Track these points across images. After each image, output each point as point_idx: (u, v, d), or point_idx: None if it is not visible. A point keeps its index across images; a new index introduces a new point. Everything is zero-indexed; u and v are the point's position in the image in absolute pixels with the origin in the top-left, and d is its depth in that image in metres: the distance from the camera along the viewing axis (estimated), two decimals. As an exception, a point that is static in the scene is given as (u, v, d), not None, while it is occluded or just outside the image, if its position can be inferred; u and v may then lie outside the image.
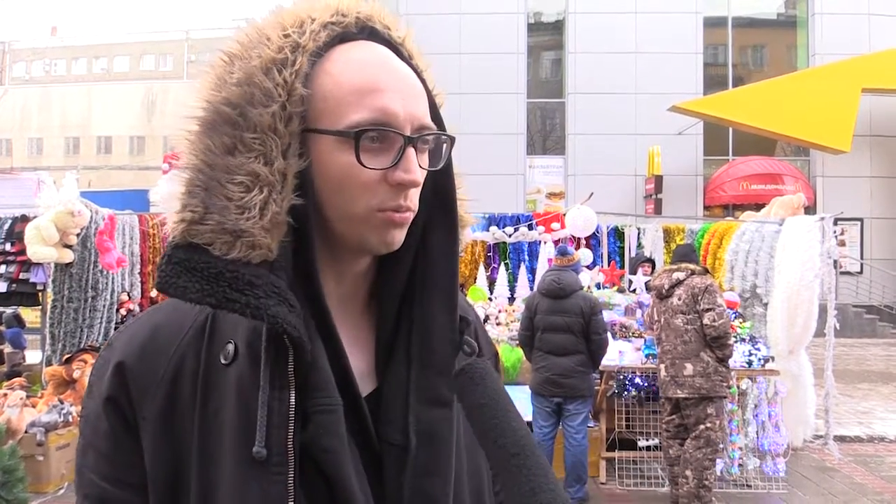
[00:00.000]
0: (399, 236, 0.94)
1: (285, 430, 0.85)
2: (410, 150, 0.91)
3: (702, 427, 5.91)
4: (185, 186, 0.88)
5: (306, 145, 0.89)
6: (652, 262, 9.71)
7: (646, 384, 7.02)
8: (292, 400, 0.86)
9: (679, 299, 6.09)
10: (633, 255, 10.69)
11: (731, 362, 6.17)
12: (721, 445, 6.28)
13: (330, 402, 0.88)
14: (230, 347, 0.90)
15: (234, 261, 0.85)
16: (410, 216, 0.94)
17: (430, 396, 0.95)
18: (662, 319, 6.22)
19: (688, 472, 5.94)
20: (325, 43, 0.91)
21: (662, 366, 6.16)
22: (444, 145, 0.98)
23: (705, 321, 5.90)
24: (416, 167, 0.91)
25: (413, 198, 0.93)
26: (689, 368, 5.93)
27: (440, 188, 1.00)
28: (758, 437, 6.90)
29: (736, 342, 6.69)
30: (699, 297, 5.99)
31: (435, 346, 0.97)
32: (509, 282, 10.40)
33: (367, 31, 0.95)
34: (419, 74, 0.99)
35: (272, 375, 0.86)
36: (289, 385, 0.86)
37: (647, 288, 7.76)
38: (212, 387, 0.90)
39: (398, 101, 0.90)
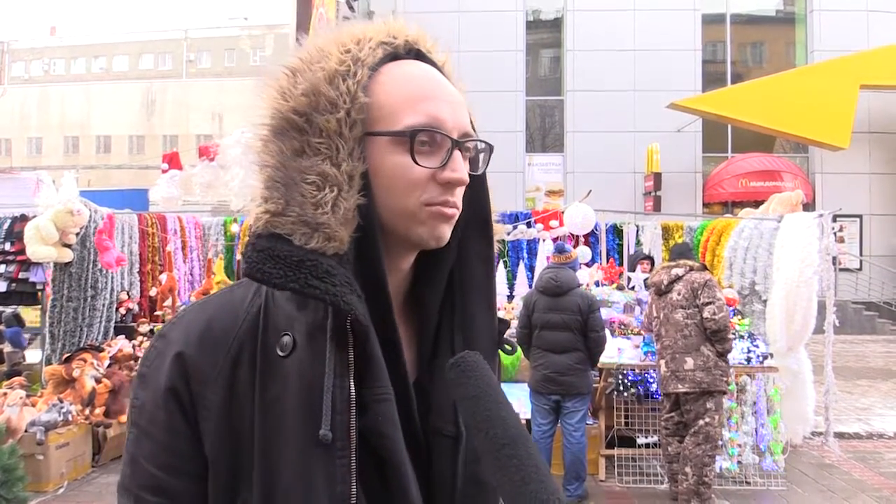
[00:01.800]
0: (447, 231, 1.02)
1: (347, 415, 0.91)
2: (457, 152, 1.00)
3: (701, 422, 5.92)
4: (263, 182, 0.97)
5: (365, 150, 0.97)
6: (651, 259, 9.70)
7: (639, 379, 7.02)
8: (352, 388, 0.92)
9: (678, 294, 6.11)
10: (631, 252, 10.70)
11: (729, 359, 6.18)
12: (720, 442, 6.30)
13: (384, 392, 0.94)
14: (286, 339, 0.95)
15: (313, 250, 0.92)
16: (457, 213, 1.02)
17: None
18: (662, 315, 6.23)
19: (687, 469, 5.95)
20: (379, 59, 1.00)
21: (663, 361, 6.17)
22: (483, 154, 1.08)
23: (705, 314, 5.92)
24: (463, 167, 1.00)
25: (459, 196, 1.02)
26: (689, 362, 5.94)
27: (476, 196, 1.08)
28: (756, 434, 6.91)
29: (735, 339, 6.69)
30: (699, 292, 6.02)
31: (477, 343, 1.05)
32: (508, 279, 10.41)
33: (413, 53, 1.06)
34: None
35: (335, 363, 0.92)
36: (349, 373, 0.92)
37: (646, 285, 7.77)
38: (270, 376, 0.95)
39: (447, 109, 1.00)
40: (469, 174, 1.02)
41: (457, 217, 1.02)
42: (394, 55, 1.02)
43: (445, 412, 1.01)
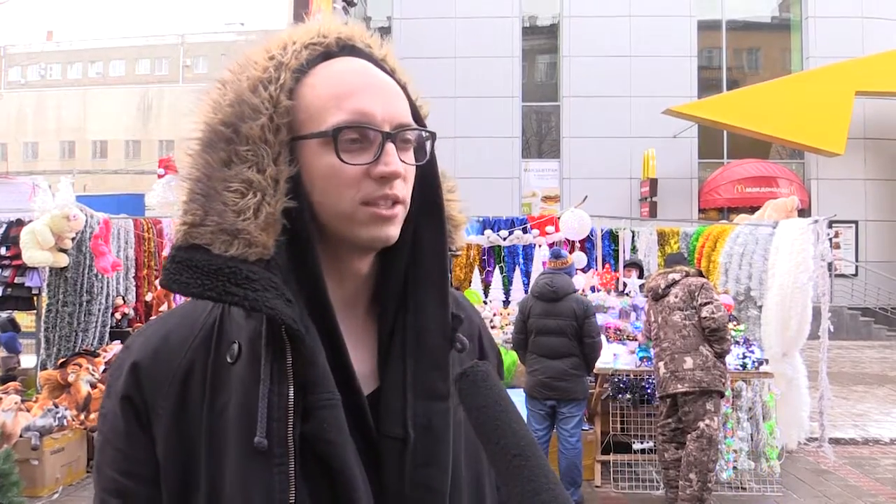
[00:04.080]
0: (391, 231, 0.98)
1: (285, 422, 0.90)
2: (390, 145, 0.96)
3: (702, 425, 5.90)
4: (186, 195, 0.96)
5: (295, 153, 0.96)
6: (638, 266, 9.70)
7: (636, 383, 7.03)
8: (291, 394, 0.90)
9: (676, 297, 6.14)
10: (627, 258, 10.70)
11: (726, 362, 6.19)
12: (720, 445, 6.30)
13: (329, 398, 0.92)
14: (235, 347, 0.96)
15: (233, 258, 0.91)
16: (399, 210, 0.98)
17: (426, 390, 1.00)
18: (660, 318, 6.24)
19: (692, 475, 5.91)
20: (307, 61, 0.98)
21: (661, 363, 6.17)
22: (427, 142, 1.03)
23: (704, 314, 5.94)
24: (397, 160, 0.96)
25: (400, 189, 0.97)
26: (688, 362, 5.94)
27: (426, 187, 1.05)
28: (752, 440, 6.92)
29: (732, 341, 6.70)
30: (696, 294, 6.05)
31: (428, 341, 1.02)
32: (504, 285, 10.39)
33: (347, 49, 1.02)
34: (403, 87, 1.05)
35: (272, 370, 0.91)
36: (287, 380, 0.91)
37: (642, 289, 7.78)
38: (219, 385, 0.95)
39: (375, 102, 0.97)
40: (416, 164, 1.01)
41: (403, 213, 1.00)
42: (326, 54, 1.00)
43: (394, 413, 0.98)
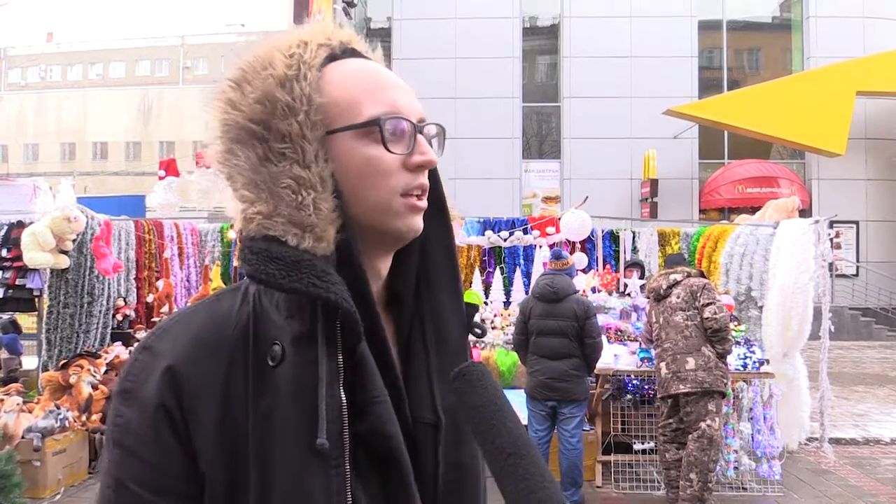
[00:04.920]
0: (420, 222, 1.02)
1: (340, 422, 0.90)
2: (420, 136, 1.01)
3: (703, 425, 5.91)
4: (243, 185, 0.95)
5: (327, 150, 0.96)
6: (640, 266, 9.71)
7: (638, 384, 7.03)
8: (342, 394, 0.91)
9: (678, 297, 6.14)
10: (628, 258, 10.70)
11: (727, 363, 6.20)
12: (722, 445, 6.30)
13: (380, 394, 0.93)
14: (277, 349, 0.93)
15: (306, 251, 0.91)
16: (426, 204, 1.02)
17: (449, 376, 1.01)
18: (661, 319, 6.24)
19: (692, 475, 5.92)
20: (323, 60, 0.99)
21: (662, 364, 6.17)
22: (437, 139, 1.07)
23: (706, 314, 5.94)
24: (430, 149, 1.01)
25: (427, 180, 1.02)
26: (690, 362, 5.94)
27: (432, 184, 1.06)
28: (753, 440, 6.92)
29: (733, 342, 6.71)
30: (698, 294, 6.06)
31: (446, 329, 1.06)
32: (505, 286, 10.39)
33: (349, 52, 1.04)
34: None
35: (327, 370, 0.90)
36: (339, 379, 0.91)
37: (642, 289, 7.78)
38: (262, 386, 0.92)
39: (402, 95, 1.01)
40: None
41: (426, 206, 1.03)
42: (332, 56, 1.01)
43: (423, 400, 1.01)
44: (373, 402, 0.92)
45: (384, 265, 1.05)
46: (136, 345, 1.04)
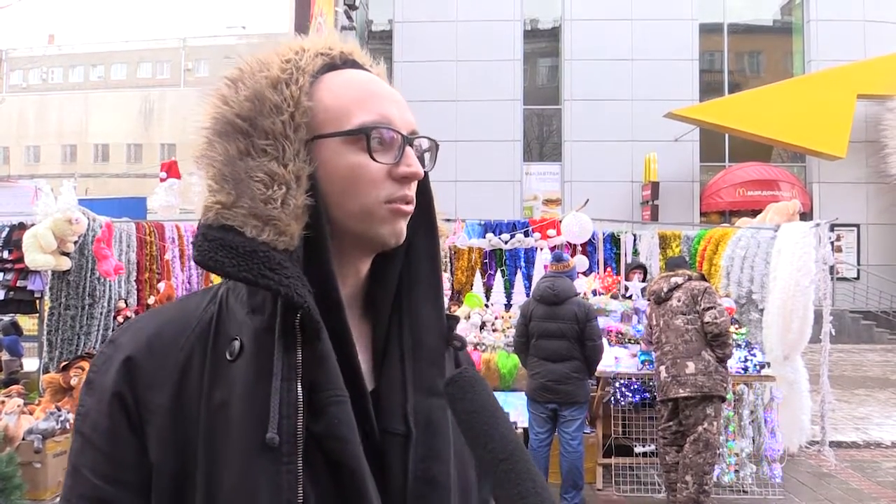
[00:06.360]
0: (404, 228, 1.03)
1: (295, 418, 0.89)
2: (409, 148, 1.02)
3: (700, 429, 5.92)
4: (211, 176, 0.98)
5: (312, 153, 0.98)
6: (643, 268, 9.72)
7: (639, 388, 7.03)
8: (300, 390, 0.90)
9: (679, 301, 6.14)
10: (628, 261, 10.71)
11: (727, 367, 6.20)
12: (719, 450, 6.30)
13: (339, 395, 0.92)
14: (236, 344, 0.94)
15: (264, 243, 0.92)
16: (412, 210, 1.03)
17: (426, 387, 1.02)
18: (662, 322, 6.25)
19: (688, 478, 5.94)
20: (319, 68, 1.02)
21: (662, 367, 6.17)
22: (428, 153, 1.09)
23: (706, 319, 5.95)
24: (417, 162, 1.02)
25: (413, 192, 1.03)
26: (690, 367, 5.95)
27: (420, 195, 1.08)
28: (754, 443, 6.91)
29: (734, 346, 6.71)
30: (699, 298, 6.06)
31: (425, 339, 1.05)
32: (506, 288, 10.39)
33: (349, 64, 1.07)
34: None
35: (283, 365, 0.90)
36: (296, 376, 0.90)
37: (643, 293, 7.77)
38: (217, 380, 0.93)
39: (394, 107, 1.02)
40: (426, 171, 1.06)
41: (411, 214, 1.04)
42: (331, 66, 1.04)
43: (395, 409, 1.00)
44: (329, 401, 0.91)
45: (364, 266, 1.07)
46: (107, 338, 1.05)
